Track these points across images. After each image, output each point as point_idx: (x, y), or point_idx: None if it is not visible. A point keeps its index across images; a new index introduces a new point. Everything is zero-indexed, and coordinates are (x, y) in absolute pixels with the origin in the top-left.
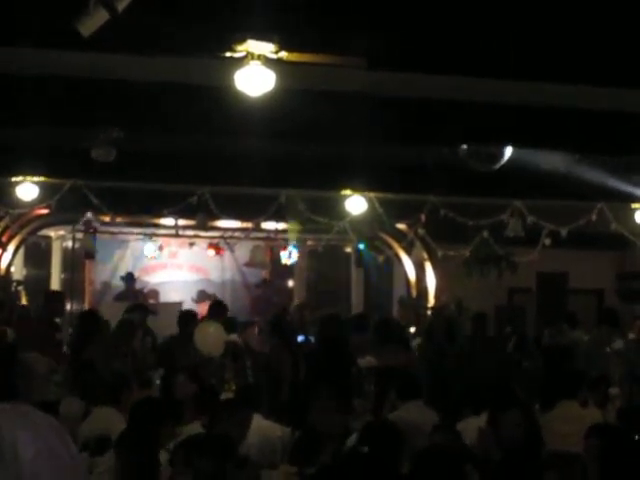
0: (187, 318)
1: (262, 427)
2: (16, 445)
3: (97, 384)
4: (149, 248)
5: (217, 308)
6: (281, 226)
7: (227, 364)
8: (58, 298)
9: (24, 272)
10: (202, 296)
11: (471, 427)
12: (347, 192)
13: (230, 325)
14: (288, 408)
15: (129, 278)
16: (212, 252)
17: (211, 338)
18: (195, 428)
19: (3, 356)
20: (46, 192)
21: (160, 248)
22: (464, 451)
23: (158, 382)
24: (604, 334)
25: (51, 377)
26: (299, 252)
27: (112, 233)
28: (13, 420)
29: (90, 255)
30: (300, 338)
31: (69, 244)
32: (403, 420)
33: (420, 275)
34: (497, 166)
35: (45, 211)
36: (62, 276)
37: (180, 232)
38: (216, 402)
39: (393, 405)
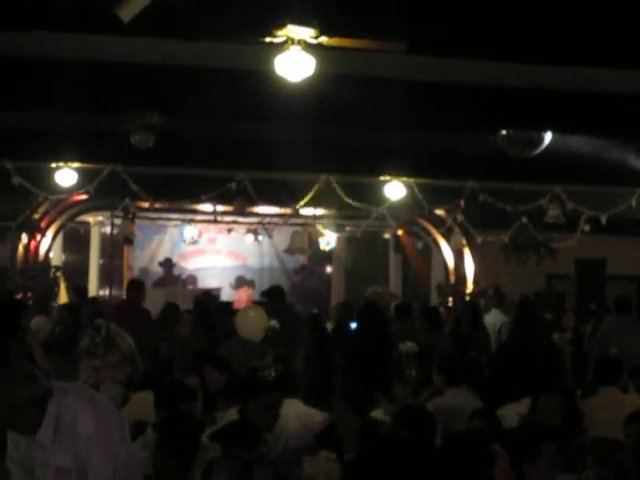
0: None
1: (302, 413)
2: (76, 422)
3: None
4: (188, 232)
5: (278, 291)
6: (319, 212)
7: (267, 350)
8: (139, 286)
9: (63, 258)
10: (240, 282)
11: (510, 413)
12: (386, 178)
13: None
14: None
15: (167, 264)
16: (251, 238)
17: (252, 323)
18: (232, 414)
19: None
20: (85, 178)
21: (199, 234)
22: (495, 433)
23: None
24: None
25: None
26: (337, 238)
27: (150, 219)
28: (76, 399)
29: (128, 241)
30: (353, 325)
31: (107, 230)
32: (447, 405)
33: (458, 261)
34: (536, 152)
35: (84, 197)
36: (100, 262)
37: (218, 218)
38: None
39: (439, 390)
